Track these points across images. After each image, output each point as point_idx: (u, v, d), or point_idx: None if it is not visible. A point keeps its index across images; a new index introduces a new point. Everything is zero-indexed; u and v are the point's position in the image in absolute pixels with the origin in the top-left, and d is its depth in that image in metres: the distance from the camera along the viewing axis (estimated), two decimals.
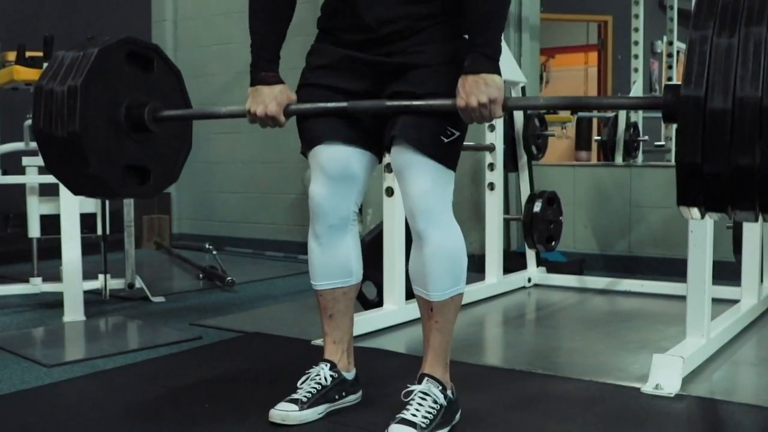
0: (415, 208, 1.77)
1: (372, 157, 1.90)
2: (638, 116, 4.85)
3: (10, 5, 4.54)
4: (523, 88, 3.63)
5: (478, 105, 1.63)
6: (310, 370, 1.94)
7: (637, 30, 4.83)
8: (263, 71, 1.85)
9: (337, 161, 1.84)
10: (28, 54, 3.25)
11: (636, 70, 4.80)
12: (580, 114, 5.89)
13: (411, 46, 1.76)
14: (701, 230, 2.34)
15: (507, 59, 3.53)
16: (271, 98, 1.82)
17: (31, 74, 3.18)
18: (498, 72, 1.66)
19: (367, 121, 1.84)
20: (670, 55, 5.38)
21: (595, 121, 6.36)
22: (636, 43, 4.84)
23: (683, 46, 5.49)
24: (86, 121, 1.85)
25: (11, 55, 3.45)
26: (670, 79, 5.47)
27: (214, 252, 4.21)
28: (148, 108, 1.96)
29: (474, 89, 1.63)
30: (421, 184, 1.75)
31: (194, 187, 5.34)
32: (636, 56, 4.81)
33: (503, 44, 3.28)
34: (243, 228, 5.15)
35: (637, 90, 4.78)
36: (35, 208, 3.49)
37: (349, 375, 1.97)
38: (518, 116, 3.66)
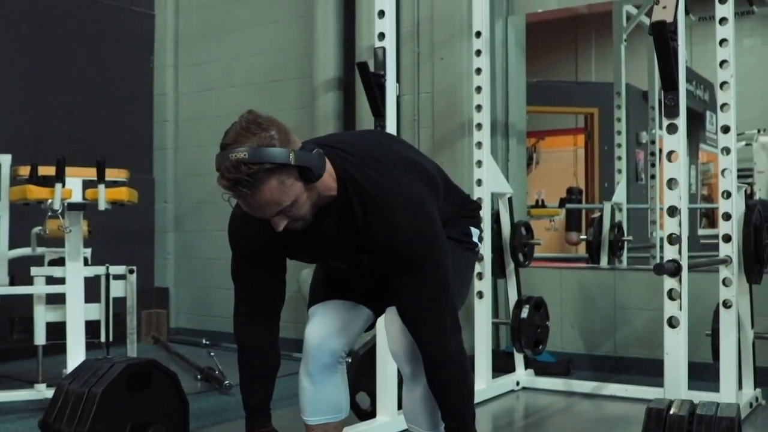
0: (400, 351, 1.94)
1: (370, 314, 2.07)
2: (622, 216, 5.03)
3: (26, 123, 4.74)
4: (509, 199, 3.81)
5: None
6: None
7: (619, 120, 5.07)
8: (258, 429, 2.04)
9: (336, 314, 2.01)
10: (40, 173, 3.43)
11: (619, 158, 5.02)
12: (569, 206, 6.07)
13: None
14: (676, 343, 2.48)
15: (493, 171, 3.72)
16: None
17: (43, 193, 3.34)
18: None
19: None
20: (653, 142, 5.58)
21: (584, 211, 6.55)
22: (619, 132, 5.07)
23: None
24: None
25: (23, 170, 3.61)
26: (653, 165, 5.67)
27: (212, 353, 4.32)
28: None
29: None
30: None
31: (192, 283, 5.47)
32: (619, 145, 5.04)
33: (489, 158, 3.46)
34: None
35: (622, 178, 4.99)
36: (42, 316, 3.63)
37: None
38: (506, 225, 3.82)
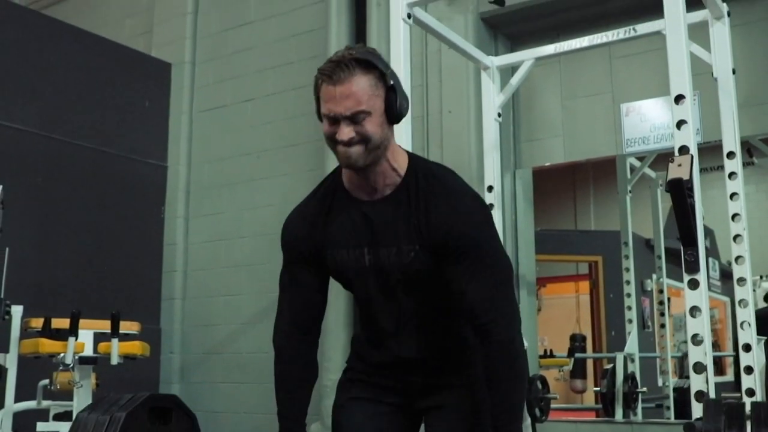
0: None
1: None
2: (635, 366, 4.98)
3: (36, 272, 4.76)
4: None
5: None
6: None
7: (628, 270, 5.10)
8: None
9: None
10: (53, 325, 3.41)
11: (629, 307, 5.02)
12: (578, 355, 6.02)
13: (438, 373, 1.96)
14: None
15: None
16: None
17: (56, 347, 3.33)
18: None
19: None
20: (661, 291, 5.59)
21: (591, 361, 6.50)
22: (628, 282, 5.09)
23: (677, 284, 5.75)
24: None
25: (35, 322, 3.60)
26: (662, 314, 5.65)
27: None
28: None
29: None
30: None
31: None
32: (629, 295, 5.05)
33: None
34: None
35: (633, 328, 4.97)
36: None
37: None
38: None
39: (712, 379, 2.46)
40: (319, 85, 1.85)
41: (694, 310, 2.48)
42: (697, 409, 2.42)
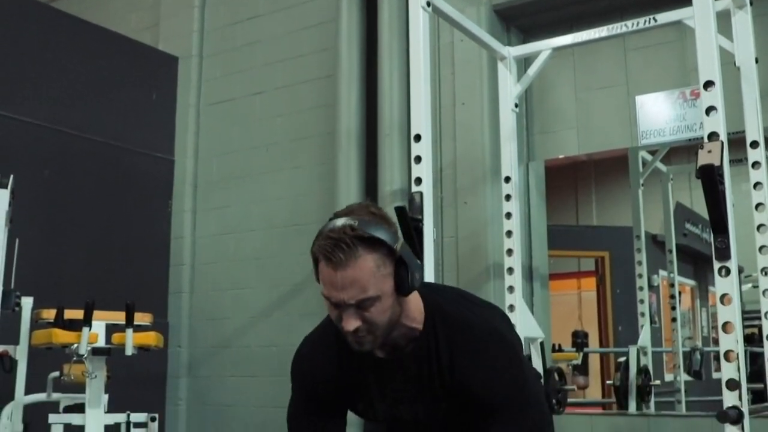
0: None
1: None
2: (647, 359, 4.95)
3: (45, 265, 4.71)
4: (541, 344, 3.74)
5: None
6: None
7: (640, 263, 5.09)
8: None
9: None
10: (66, 316, 3.37)
11: (642, 301, 5.01)
12: (587, 350, 6.00)
13: None
14: None
15: (526, 316, 3.68)
16: None
17: (69, 338, 3.28)
18: None
19: None
20: (672, 285, 5.56)
21: (598, 356, 6.46)
22: (640, 276, 5.08)
23: (683, 280, 5.73)
24: None
25: (46, 313, 3.56)
26: (674, 308, 5.62)
27: None
28: None
29: None
30: None
31: (204, 431, 5.29)
32: (641, 288, 5.05)
33: (522, 303, 3.42)
34: None
35: (645, 321, 4.95)
36: None
37: None
38: (538, 371, 3.74)
39: (744, 369, 2.44)
40: (317, 260, 1.67)
41: (724, 297, 2.45)
42: (728, 398, 2.40)
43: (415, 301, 1.75)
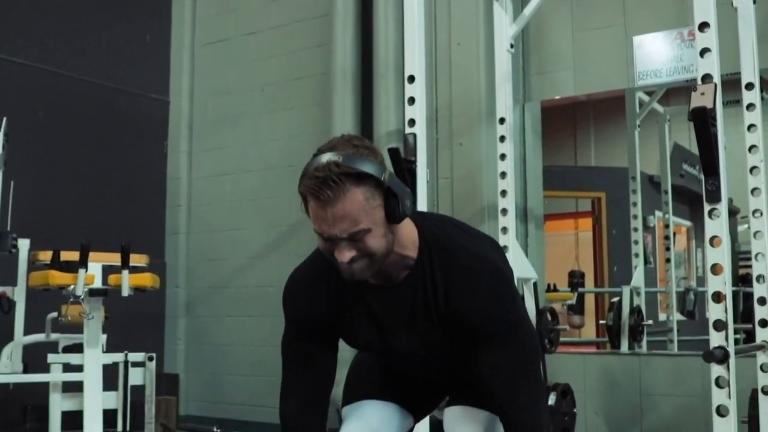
0: None
1: (411, 421, 2.00)
2: (641, 299, 5.00)
3: (40, 207, 4.72)
4: (534, 285, 3.78)
5: None
6: None
7: (635, 204, 5.10)
8: None
9: (378, 419, 1.93)
10: (63, 258, 3.39)
11: (636, 242, 5.03)
12: (581, 290, 6.05)
13: None
14: None
15: (519, 257, 3.70)
16: None
17: (66, 279, 3.31)
18: None
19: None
20: (666, 226, 5.58)
21: (593, 296, 6.52)
22: (635, 216, 5.09)
23: (679, 221, 5.75)
24: None
25: (43, 255, 3.58)
26: (668, 249, 5.66)
27: None
28: None
29: None
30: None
31: (203, 369, 5.37)
32: (636, 229, 5.06)
33: (515, 244, 3.42)
34: (252, 411, 5.13)
35: (639, 262, 4.98)
36: (58, 405, 3.54)
37: None
38: (530, 311, 3.78)
39: (731, 310, 2.47)
40: (305, 198, 1.64)
41: (714, 240, 2.47)
42: (715, 338, 2.43)
43: (408, 231, 1.75)
